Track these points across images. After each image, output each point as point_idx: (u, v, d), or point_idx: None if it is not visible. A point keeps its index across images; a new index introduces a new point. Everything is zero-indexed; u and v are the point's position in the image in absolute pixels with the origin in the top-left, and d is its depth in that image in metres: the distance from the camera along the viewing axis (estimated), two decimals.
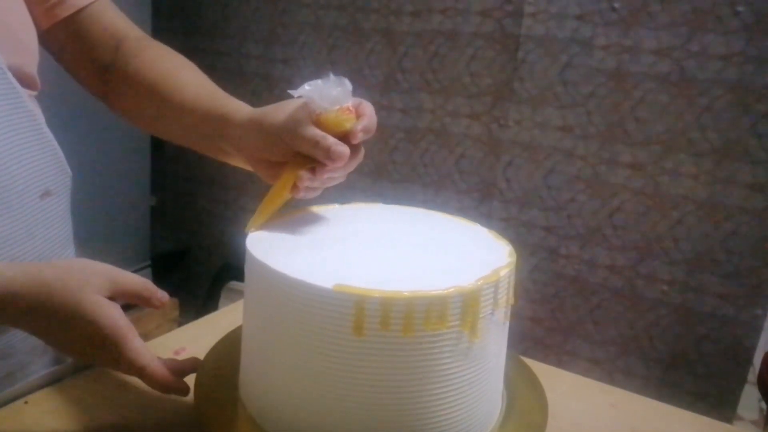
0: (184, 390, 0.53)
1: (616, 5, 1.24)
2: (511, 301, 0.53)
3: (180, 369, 0.53)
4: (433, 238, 0.58)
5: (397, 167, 1.59)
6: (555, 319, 1.42)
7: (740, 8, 1.13)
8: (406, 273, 0.50)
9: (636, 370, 1.35)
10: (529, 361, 0.74)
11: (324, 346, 0.46)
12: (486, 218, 1.46)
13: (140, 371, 0.51)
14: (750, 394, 1.33)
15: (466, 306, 0.46)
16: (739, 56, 1.14)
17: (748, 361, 1.24)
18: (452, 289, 0.46)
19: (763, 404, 1.52)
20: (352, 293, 0.44)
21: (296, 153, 0.54)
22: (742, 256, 1.20)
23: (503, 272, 0.50)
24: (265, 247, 0.51)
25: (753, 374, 1.25)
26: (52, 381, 0.63)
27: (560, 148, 1.35)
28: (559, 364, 1.27)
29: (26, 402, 0.59)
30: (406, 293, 0.44)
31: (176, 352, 0.69)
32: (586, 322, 1.39)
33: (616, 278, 1.34)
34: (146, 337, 0.69)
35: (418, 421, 0.47)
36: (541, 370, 0.74)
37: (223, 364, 0.58)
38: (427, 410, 0.47)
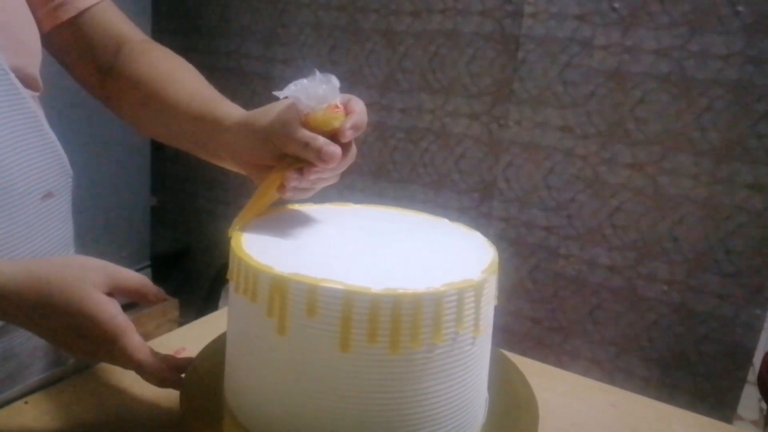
0: (179, 384, 0.54)
1: (616, 5, 1.24)
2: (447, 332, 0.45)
3: (176, 365, 0.55)
4: (426, 242, 0.56)
5: (397, 167, 1.60)
6: (555, 319, 1.42)
7: (740, 8, 1.13)
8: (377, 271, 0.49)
9: (636, 370, 1.35)
10: (529, 361, 0.74)
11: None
12: (486, 218, 1.46)
13: (138, 366, 0.52)
14: (750, 394, 1.33)
15: (280, 300, 0.44)
16: (739, 56, 1.14)
17: (748, 361, 1.24)
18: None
19: (763, 404, 1.52)
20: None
21: (287, 155, 0.53)
22: (742, 256, 1.20)
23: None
24: (248, 243, 0.51)
25: (753, 374, 1.25)
26: (52, 382, 0.63)
27: (560, 148, 1.35)
28: (559, 364, 1.28)
29: (26, 402, 0.60)
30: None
31: (176, 352, 0.69)
32: (586, 322, 1.39)
33: (616, 278, 1.34)
34: (146, 337, 0.68)
35: (397, 423, 0.46)
36: (541, 370, 0.74)
37: (211, 365, 0.57)
38: (407, 414, 0.46)
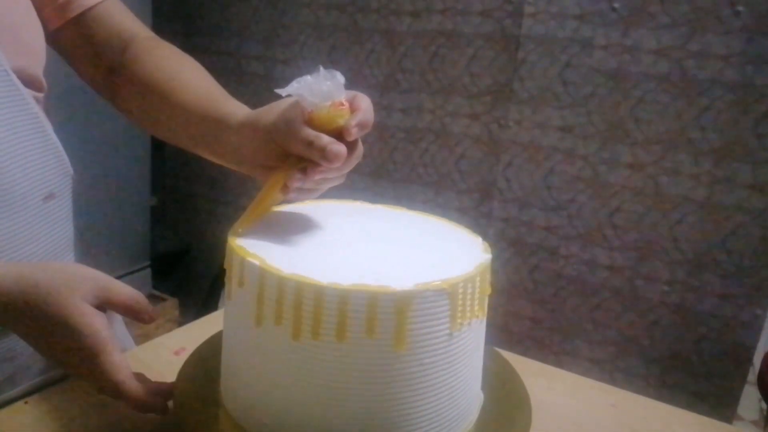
0: (162, 409, 0.51)
1: (616, 5, 1.24)
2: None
3: (157, 389, 0.51)
4: (422, 244, 0.55)
5: (397, 167, 1.60)
6: (555, 319, 1.42)
7: (740, 8, 1.13)
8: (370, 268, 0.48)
9: (636, 370, 1.35)
10: (528, 361, 0.74)
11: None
12: (486, 218, 1.46)
13: (115, 387, 0.49)
14: (750, 394, 1.33)
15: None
16: (739, 56, 1.14)
17: (748, 361, 1.24)
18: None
19: (763, 404, 1.52)
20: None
21: (291, 154, 0.51)
22: (742, 256, 1.20)
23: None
24: (245, 241, 0.50)
25: (753, 374, 1.25)
26: (52, 383, 0.63)
27: (560, 148, 1.35)
28: (559, 364, 1.27)
29: (26, 402, 0.60)
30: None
31: (176, 352, 0.69)
32: (586, 322, 1.39)
33: (616, 278, 1.34)
34: (146, 337, 0.69)
35: (390, 420, 0.46)
36: (541, 370, 0.74)
37: (207, 364, 0.57)
38: (400, 413, 0.46)
